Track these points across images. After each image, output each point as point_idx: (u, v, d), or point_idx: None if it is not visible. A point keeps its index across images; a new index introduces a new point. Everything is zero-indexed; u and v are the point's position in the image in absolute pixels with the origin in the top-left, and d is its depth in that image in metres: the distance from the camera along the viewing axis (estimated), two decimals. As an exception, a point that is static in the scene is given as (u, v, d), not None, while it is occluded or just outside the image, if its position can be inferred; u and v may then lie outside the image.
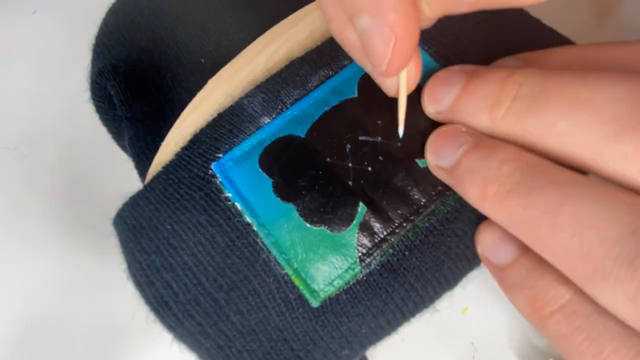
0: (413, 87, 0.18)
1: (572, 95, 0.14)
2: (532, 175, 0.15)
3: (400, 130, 0.19)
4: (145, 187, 0.19)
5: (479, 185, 0.16)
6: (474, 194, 0.16)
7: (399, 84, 0.17)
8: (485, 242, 0.17)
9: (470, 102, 0.17)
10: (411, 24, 0.14)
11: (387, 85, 0.18)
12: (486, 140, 0.16)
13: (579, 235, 0.13)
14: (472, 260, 0.18)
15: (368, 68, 0.17)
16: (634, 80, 0.14)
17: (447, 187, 0.18)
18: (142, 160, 0.22)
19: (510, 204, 0.15)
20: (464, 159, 0.16)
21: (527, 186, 0.15)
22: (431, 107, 0.18)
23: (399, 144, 0.19)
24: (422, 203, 0.18)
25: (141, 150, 0.22)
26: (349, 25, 0.15)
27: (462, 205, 0.18)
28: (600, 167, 0.14)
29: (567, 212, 0.14)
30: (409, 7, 0.13)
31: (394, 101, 0.18)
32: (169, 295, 0.18)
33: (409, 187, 0.18)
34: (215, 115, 0.20)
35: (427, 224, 0.18)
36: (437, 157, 0.18)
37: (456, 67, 0.18)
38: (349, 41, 0.15)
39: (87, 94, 0.25)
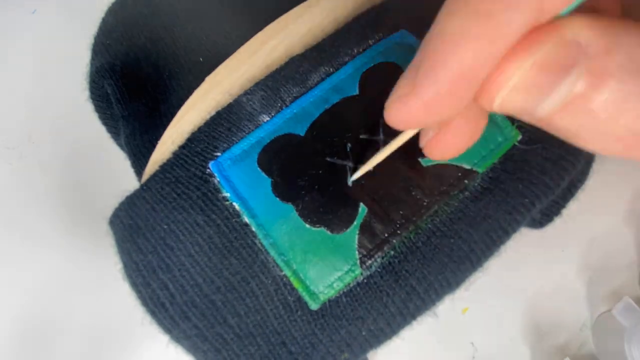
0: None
1: None
2: None
3: (355, 176, 0.18)
4: (141, 186, 0.19)
5: None
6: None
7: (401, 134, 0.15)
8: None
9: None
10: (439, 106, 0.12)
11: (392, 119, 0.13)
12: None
13: None
14: (475, 263, 0.17)
15: None
16: None
17: (451, 187, 0.18)
18: (138, 159, 0.22)
19: None
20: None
21: None
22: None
23: None
24: (424, 204, 0.18)
25: (137, 148, 0.22)
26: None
27: (466, 206, 0.18)
28: None
29: None
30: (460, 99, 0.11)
31: None
32: (165, 297, 0.18)
33: (411, 187, 0.18)
34: (213, 113, 0.20)
35: (429, 225, 0.18)
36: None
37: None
38: None
39: (87, 94, 0.25)
